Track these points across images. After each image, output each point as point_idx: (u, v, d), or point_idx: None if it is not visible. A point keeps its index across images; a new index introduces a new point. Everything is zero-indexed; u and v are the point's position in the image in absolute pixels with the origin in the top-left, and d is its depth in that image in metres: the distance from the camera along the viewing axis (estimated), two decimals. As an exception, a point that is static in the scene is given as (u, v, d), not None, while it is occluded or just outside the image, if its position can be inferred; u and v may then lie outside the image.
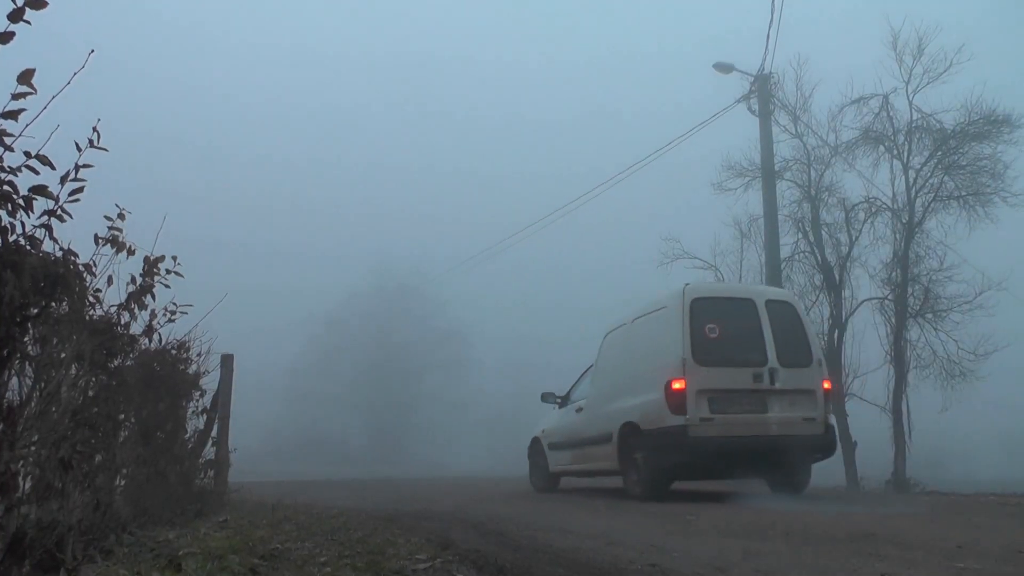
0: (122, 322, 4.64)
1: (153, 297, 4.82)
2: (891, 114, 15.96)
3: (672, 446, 8.50)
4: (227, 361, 7.69)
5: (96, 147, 3.57)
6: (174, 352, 5.94)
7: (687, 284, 9.31)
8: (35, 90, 2.95)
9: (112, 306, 4.50)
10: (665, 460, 8.76)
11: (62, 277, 3.56)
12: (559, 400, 11.99)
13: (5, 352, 3.19)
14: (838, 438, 9.79)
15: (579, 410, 10.94)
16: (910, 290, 15.78)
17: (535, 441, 12.54)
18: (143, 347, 5.17)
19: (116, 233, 4.23)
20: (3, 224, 3.16)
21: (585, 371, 11.70)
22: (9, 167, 3.09)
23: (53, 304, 3.57)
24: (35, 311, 3.42)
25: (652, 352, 9.19)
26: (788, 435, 8.62)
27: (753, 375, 8.71)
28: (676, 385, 8.47)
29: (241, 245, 42.84)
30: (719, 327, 8.81)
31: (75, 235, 3.72)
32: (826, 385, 9.11)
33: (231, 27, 66.40)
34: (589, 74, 65.26)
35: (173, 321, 5.36)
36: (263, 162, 55.10)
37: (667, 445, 8.56)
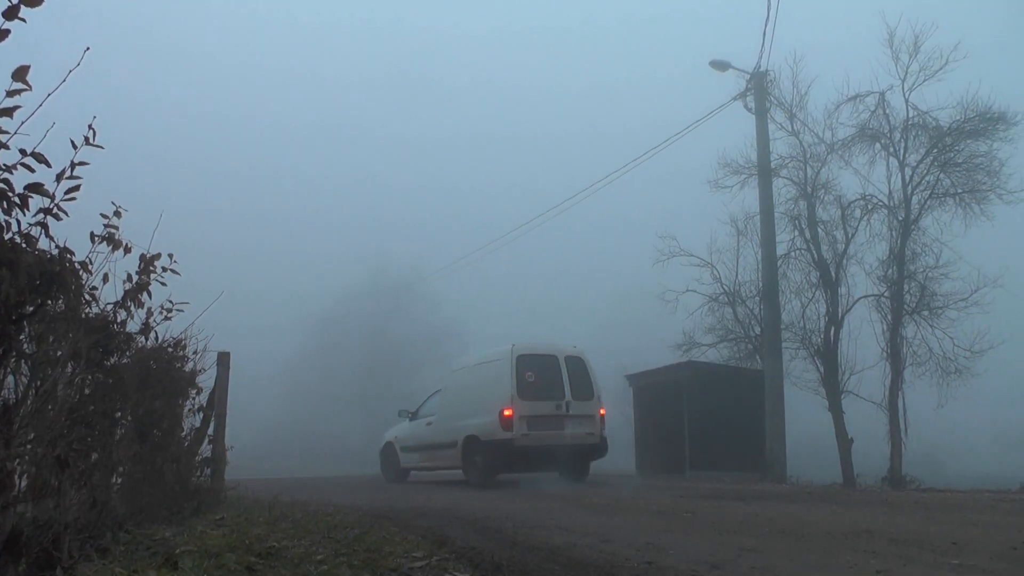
0: (118, 320, 4.63)
1: (149, 295, 4.80)
2: (887, 111, 16.03)
3: (503, 451, 12.51)
4: (223, 359, 7.68)
5: (92, 145, 3.56)
6: (170, 350, 5.93)
7: (513, 344, 13.30)
8: (30, 87, 2.94)
9: (108, 304, 4.49)
10: (498, 460, 12.76)
11: (58, 275, 3.55)
12: (411, 415, 15.73)
13: (1, 350, 3.19)
14: (606, 445, 13.39)
15: (429, 424, 14.74)
16: (906, 287, 15.83)
17: (388, 445, 16.16)
18: (139, 345, 5.15)
19: (112, 231, 4.21)
20: (-1, 222, 3.15)
21: (431, 395, 15.62)
22: (4, 165, 3.08)
23: (49, 302, 3.57)
24: (31, 309, 3.42)
25: (490, 388, 13.06)
26: (577, 444, 12.87)
27: (555, 405, 12.89)
28: (507, 412, 12.52)
29: (238, 248, 42.81)
30: (534, 374, 12.97)
31: (71, 233, 3.71)
32: (601, 411, 13.34)
33: (230, 39, 66.17)
34: (589, 75, 65.21)
35: (169, 319, 5.35)
36: (261, 167, 54.89)
37: (499, 451, 12.55)
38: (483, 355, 14.34)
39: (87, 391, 4.23)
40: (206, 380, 7.05)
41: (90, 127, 3.58)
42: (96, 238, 4.15)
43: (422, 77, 66.98)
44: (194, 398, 6.71)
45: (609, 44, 69.04)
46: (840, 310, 16.34)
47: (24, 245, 3.32)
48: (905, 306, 15.75)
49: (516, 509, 8.07)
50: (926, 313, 15.67)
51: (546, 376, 13.00)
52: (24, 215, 3.27)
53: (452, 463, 13.78)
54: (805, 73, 16.78)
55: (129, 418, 5.09)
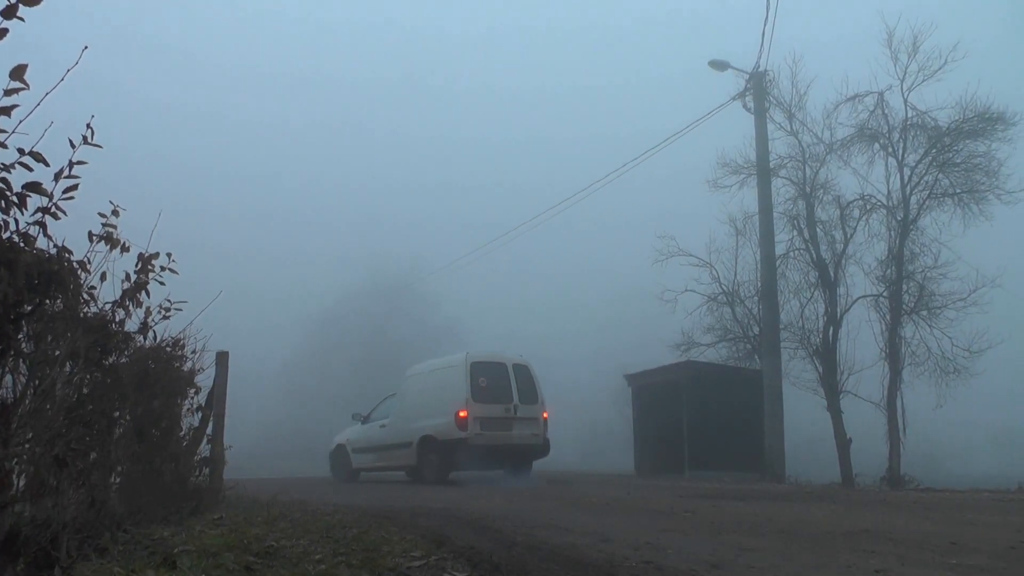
0: (117, 319, 4.63)
1: (148, 294, 4.79)
2: (886, 111, 16.05)
3: (458, 450, 13.44)
4: (222, 358, 7.65)
5: (90, 144, 3.56)
6: (169, 349, 5.92)
7: (467, 352, 14.53)
8: (28, 86, 2.94)
9: (107, 303, 4.49)
10: (453, 458, 13.66)
11: (56, 274, 3.55)
12: (363, 418, 16.54)
13: (-1, 349, 3.18)
14: (548, 445, 14.47)
15: (383, 426, 15.60)
16: (905, 287, 15.84)
17: (340, 447, 16.92)
18: (138, 344, 5.15)
19: (111, 230, 4.21)
20: (-3, 221, 3.15)
21: (384, 399, 16.49)
22: (3, 163, 3.08)
23: (47, 301, 3.57)
24: (29, 308, 3.42)
25: (446, 392, 14.04)
26: (523, 444, 14.02)
27: (504, 408, 13.90)
28: (462, 414, 13.52)
29: (237, 247, 42.74)
30: (486, 379, 13.97)
31: (69, 232, 3.71)
32: (544, 415, 14.47)
33: (230, 39, 66.05)
34: (588, 75, 65.17)
35: (168, 318, 5.34)
36: (258, 171, 54.77)
37: (455, 449, 13.50)
38: (438, 362, 15.57)
39: (85, 390, 4.22)
40: (205, 380, 7.03)
41: (88, 126, 3.58)
42: (94, 237, 4.14)
43: (422, 78, 66.95)
44: (193, 398, 6.69)
45: (608, 44, 69.00)
46: (839, 310, 16.36)
47: (22, 244, 3.32)
48: (904, 306, 15.77)
49: (515, 509, 8.07)
50: (925, 313, 15.68)
51: (496, 382, 14.10)
52: (22, 214, 3.27)
53: (407, 462, 14.70)
54: (804, 73, 16.81)
55: (127, 417, 5.09)
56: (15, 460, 3.26)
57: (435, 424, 13.90)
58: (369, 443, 15.92)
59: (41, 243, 3.48)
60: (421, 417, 14.33)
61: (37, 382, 3.45)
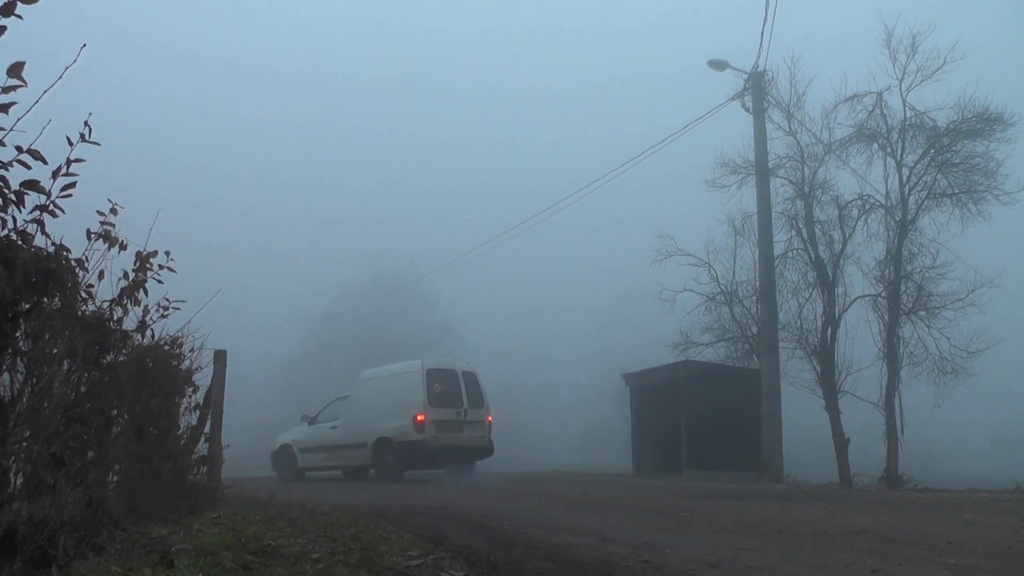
0: (115, 317, 4.61)
1: (146, 293, 4.78)
2: (884, 112, 16.03)
3: (416, 451, 14.57)
4: (220, 357, 7.66)
5: (88, 141, 3.55)
6: (167, 348, 5.91)
7: (423, 360, 15.61)
8: (25, 83, 2.93)
9: (105, 301, 4.47)
10: (411, 459, 14.77)
11: (54, 272, 3.54)
12: (311, 419, 17.16)
13: (-3, 348, 3.17)
14: (492, 447, 15.65)
15: (334, 427, 16.34)
16: (903, 287, 15.84)
17: (285, 447, 17.44)
18: (136, 343, 5.13)
19: (108, 228, 4.19)
20: (-5, 219, 3.14)
21: (332, 401, 17.27)
22: (0, 161, 3.07)
23: (45, 299, 3.56)
24: (27, 306, 3.41)
25: (403, 396, 14.99)
26: (472, 445, 15.18)
27: (456, 412, 15.05)
28: (420, 417, 14.57)
29: (236, 246, 42.67)
30: (441, 385, 15.05)
31: (67, 230, 3.69)
32: (489, 418, 15.65)
33: (230, 37, 65.96)
34: (587, 75, 65.16)
35: (166, 317, 5.33)
36: (257, 169, 54.66)
37: (413, 450, 14.60)
38: (394, 367, 16.63)
39: (83, 389, 4.21)
40: (203, 378, 7.03)
41: (87, 124, 3.57)
42: (92, 235, 4.13)
43: (422, 77, 66.99)
44: (191, 396, 6.68)
45: (607, 44, 69.07)
46: (837, 310, 16.36)
47: (20, 242, 3.31)
48: (902, 306, 15.76)
49: (513, 508, 8.07)
50: (923, 313, 15.68)
51: (449, 387, 15.21)
52: (20, 212, 3.25)
53: (361, 462, 15.67)
54: (803, 73, 16.78)
55: (125, 416, 5.08)
56: (12, 459, 3.25)
57: (392, 426, 14.84)
58: (318, 443, 16.58)
59: (39, 241, 3.46)
60: (377, 420, 15.16)
61: (35, 380, 3.44)
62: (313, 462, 16.73)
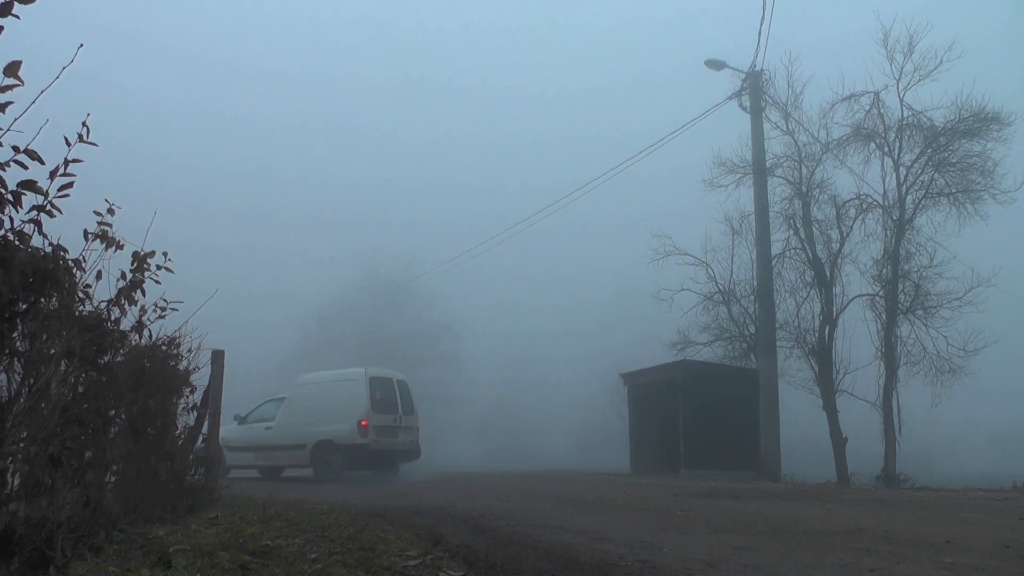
0: (112, 318, 4.60)
1: (143, 293, 4.77)
2: (882, 111, 16.09)
3: (360, 453, 15.60)
4: (218, 357, 7.65)
5: (86, 142, 3.55)
6: (164, 348, 5.90)
7: (366, 368, 16.71)
8: (22, 83, 2.92)
9: (102, 302, 4.47)
10: (354, 461, 15.73)
11: (51, 273, 3.54)
12: (241, 419, 17.32)
13: (-6, 348, 3.17)
14: (420, 450, 17.10)
15: (268, 428, 16.86)
16: (901, 287, 15.88)
17: None
18: (133, 343, 5.13)
19: (106, 228, 4.19)
20: (-8, 219, 3.13)
21: (264, 401, 17.73)
22: (-3, 161, 3.07)
23: (43, 300, 3.55)
24: (24, 307, 3.40)
25: (347, 401, 15.93)
26: (404, 449, 16.58)
27: (393, 418, 16.25)
28: (364, 422, 15.60)
29: (233, 246, 42.61)
30: (380, 392, 16.13)
31: (65, 230, 3.69)
32: (417, 424, 17.01)
33: (227, 37, 65.79)
34: (585, 75, 65.08)
35: (163, 317, 5.32)
36: (254, 169, 54.59)
37: (356, 453, 15.60)
38: (336, 373, 17.53)
39: (81, 389, 4.21)
40: (200, 378, 7.02)
41: (84, 124, 3.56)
42: (90, 235, 4.13)
43: (420, 77, 66.90)
44: (188, 396, 6.67)
45: (605, 44, 68.98)
46: (835, 309, 16.39)
47: (17, 242, 3.30)
48: (899, 305, 15.80)
49: (511, 508, 8.07)
50: (920, 312, 15.72)
51: (387, 395, 16.35)
52: (17, 212, 3.25)
53: (298, 463, 16.48)
54: (800, 73, 16.86)
55: (123, 416, 5.07)
56: (10, 459, 3.25)
57: (335, 430, 15.72)
58: (249, 443, 16.95)
59: (36, 241, 3.46)
60: (317, 423, 15.93)
61: (32, 381, 3.44)
62: (242, 460, 16.96)
